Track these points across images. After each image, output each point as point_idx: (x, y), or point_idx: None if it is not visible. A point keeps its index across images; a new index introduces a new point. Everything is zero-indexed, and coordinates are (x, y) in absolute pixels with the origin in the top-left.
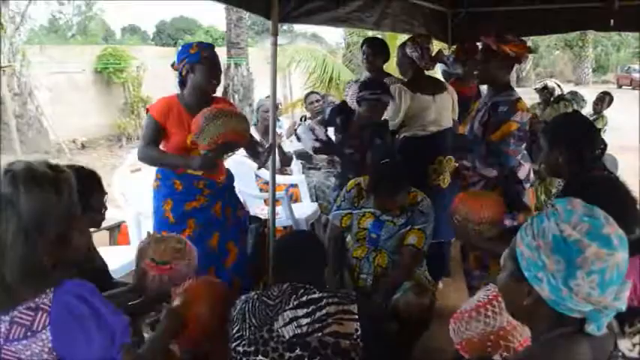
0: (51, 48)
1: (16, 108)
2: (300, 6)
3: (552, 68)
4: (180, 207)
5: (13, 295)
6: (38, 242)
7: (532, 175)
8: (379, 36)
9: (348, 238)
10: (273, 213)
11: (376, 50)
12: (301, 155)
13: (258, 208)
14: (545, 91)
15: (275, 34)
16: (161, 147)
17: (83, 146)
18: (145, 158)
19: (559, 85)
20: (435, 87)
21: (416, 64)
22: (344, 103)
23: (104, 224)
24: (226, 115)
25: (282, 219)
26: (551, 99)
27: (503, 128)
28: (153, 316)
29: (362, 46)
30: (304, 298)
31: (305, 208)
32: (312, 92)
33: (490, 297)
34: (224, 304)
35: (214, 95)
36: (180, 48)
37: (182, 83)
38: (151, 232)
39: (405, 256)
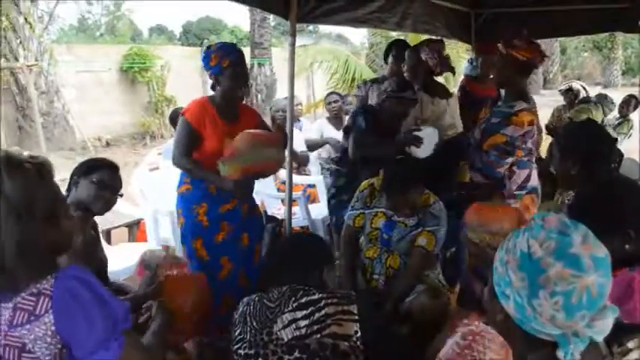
0: (78, 47)
1: (43, 106)
2: (319, 6)
3: (580, 70)
4: (215, 210)
5: (14, 279)
6: (30, 223)
7: (532, 182)
8: (402, 37)
9: (362, 238)
10: (290, 213)
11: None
12: (311, 146)
13: (275, 208)
14: (569, 93)
15: (293, 34)
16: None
17: (108, 144)
18: (181, 167)
19: (584, 87)
20: (446, 91)
21: (430, 69)
22: (368, 105)
23: (124, 221)
24: (263, 146)
25: (298, 219)
26: (576, 101)
27: (490, 140)
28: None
29: (390, 48)
30: (303, 300)
31: (322, 209)
32: (331, 93)
33: (470, 337)
34: (202, 295)
35: (243, 102)
36: (203, 53)
37: (214, 87)
38: (169, 230)
39: (415, 257)
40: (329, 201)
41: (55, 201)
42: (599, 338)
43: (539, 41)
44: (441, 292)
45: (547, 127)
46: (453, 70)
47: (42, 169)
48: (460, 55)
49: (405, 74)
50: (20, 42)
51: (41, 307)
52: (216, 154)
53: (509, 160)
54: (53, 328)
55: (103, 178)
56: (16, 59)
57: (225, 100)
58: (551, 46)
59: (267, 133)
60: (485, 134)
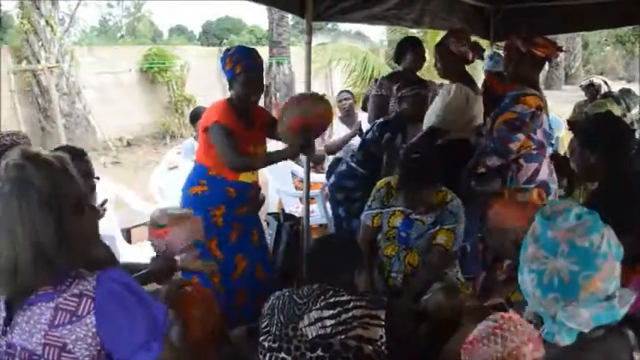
0: (99, 49)
1: (64, 107)
2: (335, 4)
3: (603, 65)
4: (232, 212)
5: (56, 270)
6: (63, 212)
7: (541, 176)
8: (420, 34)
9: (379, 236)
10: (307, 211)
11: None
12: (330, 150)
13: (293, 206)
14: (591, 89)
15: (309, 33)
16: None
17: (129, 144)
18: (246, 167)
19: (606, 82)
20: (476, 85)
21: (462, 62)
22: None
23: (144, 220)
24: (306, 100)
25: (316, 217)
26: (598, 96)
27: (500, 118)
28: None
29: (400, 45)
30: (332, 300)
31: None
32: (342, 91)
33: (501, 320)
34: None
35: (258, 105)
36: (221, 55)
37: (230, 86)
38: None
39: (433, 255)
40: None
41: (79, 191)
42: (580, 328)
43: (560, 36)
44: (458, 290)
45: (568, 122)
46: (482, 56)
47: (63, 161)
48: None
49: (438, 72)
50: (42, 44)
51: (83, 309)
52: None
53: (520, 136)
54: (94, 329)
55: (81, 168)
56: (38, 61)
57: (240, 103)
58: (572, 40)
59: (313, 95)
60: (496, 116)
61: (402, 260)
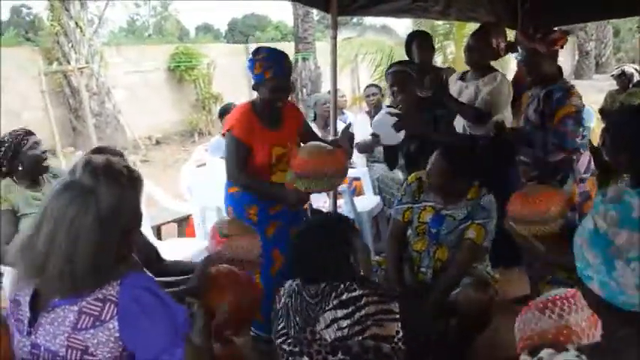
0: (127, 48)
1: (94, 107)
2: None
3: (635, 53)
4: (266, 211)
5: (81, 282)
6: (112, 233)
7: (592, 165)
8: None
9: (409, 231)
10: (335, 206)
11: (425, 44)
12: (362, 148)
13: (321, 202)
14: (622, 78)
15: (334, 27)
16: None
17: (157, 142)
18: (242, 185)
19: (638, 71)
20: None
21: (496, 55)
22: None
23: (173, 217)
24: (331, 174)
25: (344, 212)
26: (630, 85)
27: (560, 112)
28: None
29: (406, 42)
30: (344, 297)
31: (368, 202)
32: (370, 85)
33: (567, 294)
34: (248, 294)
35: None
36: (250, 56)
37: (255, 87)
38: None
39: (462, 250)
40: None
41: (135, 215)
42: None
43: (590, 24)
44: (488, 284)
45: (600, 111)
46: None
47: (135, 183)
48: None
49: (470, 61)
50: (72, 45)
51: (107, 313)
52: (266, 165)
53: (582, 129)
54: (117, 334)
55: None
56: (68, 62)
57: (266, 107)
58: (603, 28)
59: (334, 156)
60: (551, 111)
61: (431, 255)
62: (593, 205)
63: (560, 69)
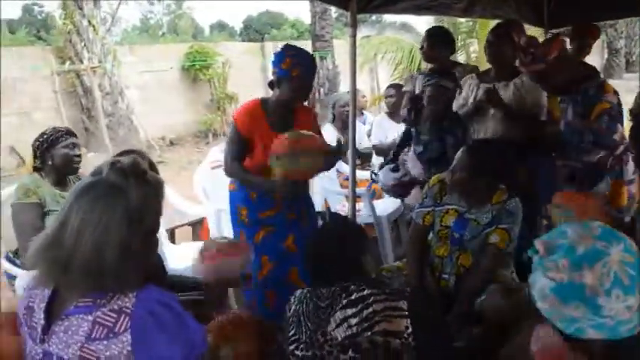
0: (141, 47)
1: (107, 107)
2: None
3: None
4: (255, 215)
5: (107, 281)
6: (138, 232)
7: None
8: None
9: (430, 235)
10: (354, 210)
11: (437, 40)
12: (380, 151)
13: (340, 205)
14: None
15: (354, 25)
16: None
17: (171, 143)
18: (232, 174)
19: None
20: None
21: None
22: (415, 95)
23: (188, 220)
24: (306, 155)
25: (363, 216)
26: None
27: (595, 109)
28: None
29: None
30: (353, 296)
31: (387, 205)
32: (390, 86)
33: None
34: (258, 341)
35: (305, 107)
36: (279, 49)
37: (271, 86)
38: (230, 227)
39: (486, 256)
40: None
41: (157, 216)
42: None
43: (620, 22)
44: (516, 291)
45: (631, 111)
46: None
47: (158, 184)
48: None
49: (493, 61)
50: (84, 44)
51: (120, 326)
52: (262, 165)
53: (619, 126)
54: (129, 348)
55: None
56: (81, 62)
57: (281, 105)
58: (633, 26)
59: (308, 139)
60: (586, 109)
61: (454, 261)
62: (535, 267)
63: (594, 68)
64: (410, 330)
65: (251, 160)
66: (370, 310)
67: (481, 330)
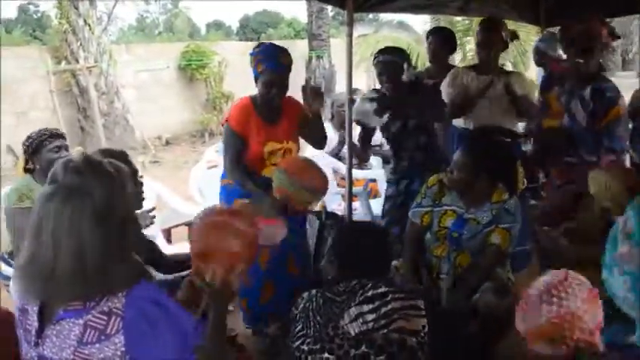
0: (137, 47)
1: (103, 106)
2: None
3: None
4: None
5: (92, 282)
6: (112, 225)
7: None
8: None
9: (428, 235)
10: (350, 209)
11: (442, 41)
12: (377, 151)
13: (336, 204)
14: None
15: (350, 24)
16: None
17: (167, 143)
18: (232, 177)
19: None
20: None
21: (506, 46)
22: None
23: (184, 220)
24: (302, 188)
25: (359, 215)
26: None
27: (612, 113)
28: None
29: (427, 37)
30: (370, 293)
31: None
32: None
33: (559, 278)
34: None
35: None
36: (251, 50)
37: (256, 81)
38: None
39: (487, 256)
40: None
41: (129, 205)
42: None
43: (617, 20)
44: (509, 290)
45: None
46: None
47: (120, 172)
48: (530, 38)
49: (487, 59)
50: (80, 44)
51: (112, 327)
52: (259, 157)
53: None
54: (123, 349)
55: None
56: (77, 61)
57: (264, 101)
58: (629, 24)
59: (314, 178)
60: (602, 111)
61: (452, 262)
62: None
63: (601, 65)
64: (426, 329)
65: (248, 153)
66: (389, 307)
67: (475, 328)
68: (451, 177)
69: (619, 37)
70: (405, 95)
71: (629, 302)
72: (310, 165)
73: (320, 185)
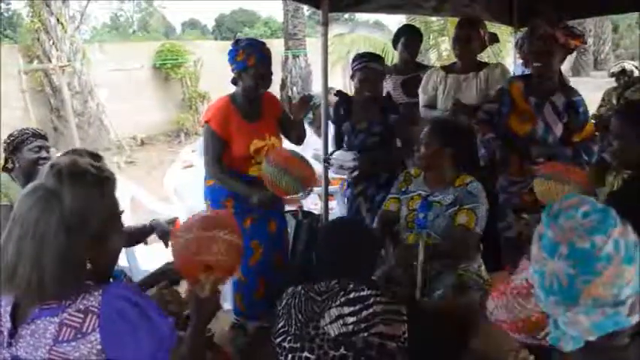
0: (111, 46)
1: (77, 106)
2: None
3: (634, 49)
4: (241, 205)
5: (48, 291)
6: (79, 239)
7: None
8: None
9: (400, 225)
10: (327, 208)
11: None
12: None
13: (312, 203)
14: (622, 75)
15: (325, 24)
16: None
17: (143, 143)
18: (213, 177)
19: (638, 68)
20: None
21: (484, 46)
22: (339, 91)
23: None
24: (292, 177)
25: (336, 214)
26: (630, 83)
27: (588, 128)
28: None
29: (398, 35)
30: (352, 295)
31: None
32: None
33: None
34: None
35: (270, 95)
36: (231, 47)
37: (235, 82)
38: None
39: (455, 235)
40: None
41: (109, 218)
42: (582, 336)
43: (588, 20)
44: (467, 289)
45: (595, 116)
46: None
47: (104, 182)
48: (505, 38)
49: (463, 56)
50: (53, 43)
51: (88, 326)
52: (244, 158)
53: None
54: (99, 347)
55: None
56: (49, 60)
57: (247, 97)
58: (601, 24)
59: (308, 168)
60: (578, 126)
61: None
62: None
63: (561, 72)
64: (407, 335)
65: (228, 157)
66: (370, 311)
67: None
68: (417, 154)
69: (585, 43)
70: (379, 109)
71: (540, 299)
72: (296, 155)
73: (307, 173)
